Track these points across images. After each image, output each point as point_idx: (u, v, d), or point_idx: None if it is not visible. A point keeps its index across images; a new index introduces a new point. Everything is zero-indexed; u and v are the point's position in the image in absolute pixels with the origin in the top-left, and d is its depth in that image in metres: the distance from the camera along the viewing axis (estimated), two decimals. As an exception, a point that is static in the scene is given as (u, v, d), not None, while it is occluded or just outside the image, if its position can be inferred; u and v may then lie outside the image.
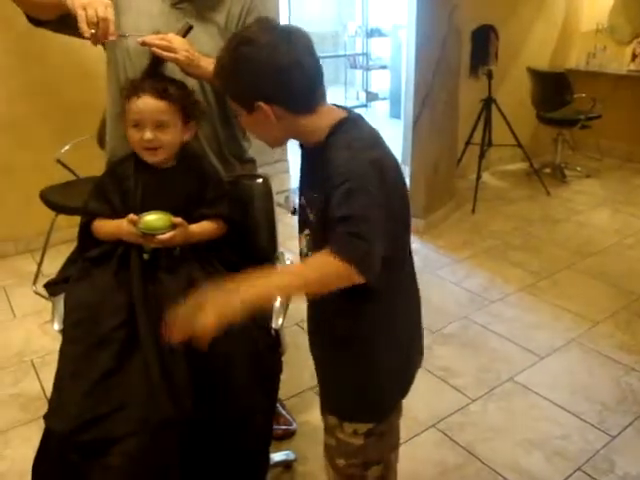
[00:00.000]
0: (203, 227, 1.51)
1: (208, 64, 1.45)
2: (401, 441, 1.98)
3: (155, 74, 1.50)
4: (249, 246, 1.60)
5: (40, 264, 3.08)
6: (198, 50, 1.53)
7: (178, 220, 1.42)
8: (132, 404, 1.27)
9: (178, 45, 1.46)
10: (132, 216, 1.41)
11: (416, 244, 3.63)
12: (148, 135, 1.43)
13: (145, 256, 1.43)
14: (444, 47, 3.60)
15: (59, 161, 3.05)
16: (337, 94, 7.92)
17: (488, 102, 4.28)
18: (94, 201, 1.51)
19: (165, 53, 1.45)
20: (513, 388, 2.29)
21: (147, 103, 1.43)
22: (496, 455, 1.95)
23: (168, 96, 1.44)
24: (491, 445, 2.00)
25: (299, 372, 2.31)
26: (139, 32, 1.52)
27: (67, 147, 3.10)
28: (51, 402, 1.36)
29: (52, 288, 1.56)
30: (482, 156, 4.29)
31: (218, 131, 1.70)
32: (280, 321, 1.52)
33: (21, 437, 2.07)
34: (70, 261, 1.57)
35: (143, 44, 1.46)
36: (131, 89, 1.46)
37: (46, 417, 1.33)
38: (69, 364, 1.36)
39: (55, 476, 1.31)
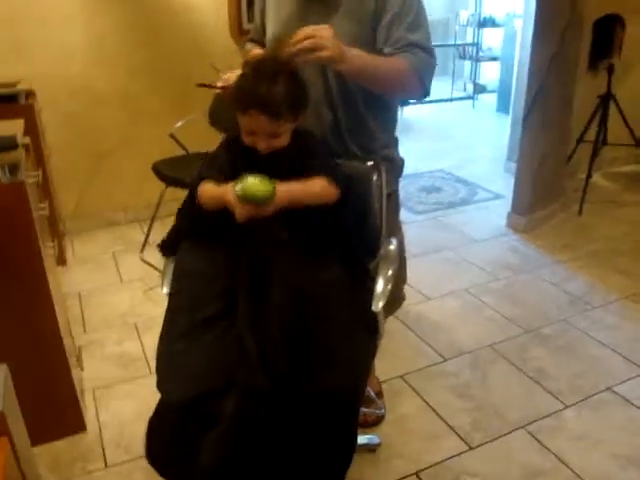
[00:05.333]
0: (307, 183, 1.42)
1: (353, 57, 1.42)
2: (487, 439, 1.96)
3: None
4: (359, 230, 1.56)
5: (148, 234, 3.25)
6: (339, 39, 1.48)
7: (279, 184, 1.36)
8: (237, 380, 1.28)
9: (326, 38, 1.35)
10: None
11: (516, 242, 3.52)
12: (262, 145, 1.42)
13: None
14: (563, 39, 3.42)
15: (172, 136, 3.19)
16: (444, 85, 7.72)
17: (606, 98, 4.03)
18: (207, 168, 1.52)
19: (311, 56, 1.36)
20: (611, 398, 2.17)
21: (260, 121, 1.38)
22: (588, 466, 1.87)
23: (281, 115, 1.38)
24: (583, 455, 1.91)
25: (390, 360, 2.31)
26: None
27: (180, 123, 3.24)
28: (162, 370, 1.37)
29: (165, 250, 1.61)
30: (595, 155, 4.05)
31: (340, 119, 1.65)
32: (380, 304, 1.51)
33: (123, 392, 2.22)
34: (181, 213, 1.60)
35: (295, 55, 1.37)
36: (241, 103, 1.40)
37: (160, 386, 1.34)
38: (177, 336, 1.37)
39: (170, 443, 1.34)
